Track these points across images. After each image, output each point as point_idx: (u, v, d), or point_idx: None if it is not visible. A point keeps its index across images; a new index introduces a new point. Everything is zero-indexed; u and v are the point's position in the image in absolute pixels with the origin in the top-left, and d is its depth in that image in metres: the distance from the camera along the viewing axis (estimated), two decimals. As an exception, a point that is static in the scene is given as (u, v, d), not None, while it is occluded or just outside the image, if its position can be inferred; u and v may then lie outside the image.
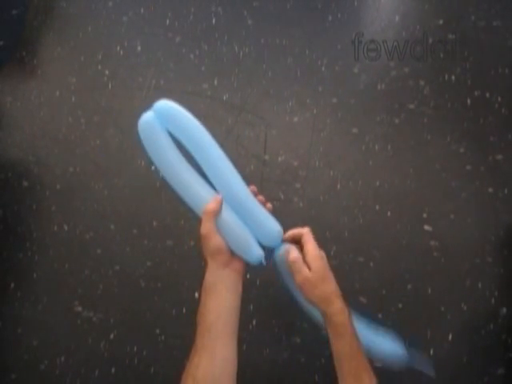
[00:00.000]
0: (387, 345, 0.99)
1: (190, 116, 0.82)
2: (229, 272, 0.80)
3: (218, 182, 0.83)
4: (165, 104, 0.83)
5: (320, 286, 0.80)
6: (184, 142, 0.82)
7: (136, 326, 1.69)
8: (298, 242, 0.86)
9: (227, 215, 0.81)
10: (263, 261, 0.83)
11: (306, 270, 0.81)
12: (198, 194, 0.82)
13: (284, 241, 0.86)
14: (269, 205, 0.86)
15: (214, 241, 0.80)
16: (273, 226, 0.85)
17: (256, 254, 0.82)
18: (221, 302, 0.78)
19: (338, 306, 0.81)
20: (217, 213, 0.80)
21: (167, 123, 0.82)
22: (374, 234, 1.79)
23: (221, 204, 0.80)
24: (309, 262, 0.81)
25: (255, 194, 0.85)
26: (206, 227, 0.79)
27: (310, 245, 0.83)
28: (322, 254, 0.84)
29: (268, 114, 1.98)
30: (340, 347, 0.80)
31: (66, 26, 2.18)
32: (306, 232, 0.85)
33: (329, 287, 0.81)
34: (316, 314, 0.90)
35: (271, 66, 2.06)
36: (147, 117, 0.83)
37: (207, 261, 0.81)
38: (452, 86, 2.00)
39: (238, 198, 0.83)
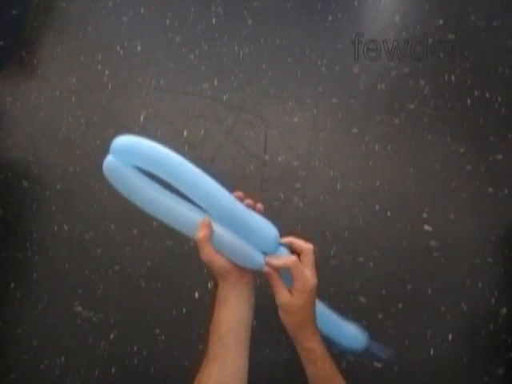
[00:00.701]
0: (348, 330, 0.99)
1: (151, 143, 0.78)
2: (240, 287, 0.81)
3: (200, 199, 0.80)
4: (120, 142, 0.79)
5: (295, 313, 0.79)
6: (155, 171, 0.79)
7: (136, 326, 1.69)
8: (294, 251, 0.83)
9: (219, 231, 0.80)
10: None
11: (285, 294, 0.78)
12: (187, 218, 0.80)
13: (281, 244, 0.83)
14: (259, 205, 0.83)
15: (218, 263, 0.79)
16: (266, 230, 0.82)
17: (259, 260, 0.81)
18: (234, 314, 0.79)
19: (309, 331, 0.80)
20: (209, 236, 0.78)
21: (131, 160, 0.80)
22: (373, 234, 1.79)
23: (210, 226, 0.79)
24: (295, 288, 0.78)
25: (241, 199, 0.82)
26: (205, 253, 0.78)
27: (298, 279, 0.78)
28: (314, 281, 0.79)
29: (268, 113, 1.98)
30: (312, 372, 0.81)
31: (66, 25, 2.18)
32: (306, 251, 0.80)
33: (304, 316, 0.79)
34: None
35: (271, 66, 2.06)
36: (109, 162, 0.82)
37: (218, 279, 0.81)
38: (452, 86, 2.00)
39: (224, 210, 0.79)
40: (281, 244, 0.84)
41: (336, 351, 0.90)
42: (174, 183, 0.79)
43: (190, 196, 0.80)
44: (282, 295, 0.79)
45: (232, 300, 0.80)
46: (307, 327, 0.80)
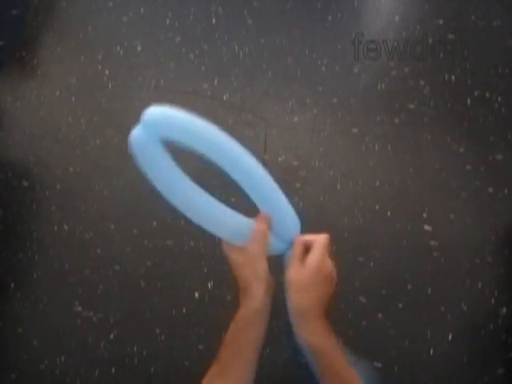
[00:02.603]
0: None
1: (184, 116, 0.76)
2: (267, 299, 0.78)
3: (237, 171, 0.78)
4: (153, 112, 0.77)
5: (300, 294, 0.75)
6: (190, 142, 0.76)
7: (136, 326, 1.69)
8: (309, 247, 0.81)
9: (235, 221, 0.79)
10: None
11: (296, 270, 0.76)
12: (202, 209, 0.78)
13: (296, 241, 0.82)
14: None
15: (264, 263, 0.76)
16: (292, 221, 0.82)
17: (278, 248, 0.81)
18: (261, 332, 0.78)
19: (311, 326, 0.76)
20: (266, 233, 0.77)
21: (165, 130, 0.77)
22: (374, 234, 1.79)
23: (269, 222, 0.77)
24: (304, 266, 0.76)
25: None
26: (257, 248, 0.75)
27: (315, 253, 0.77)
28: (325, 267, 0.77)
29: (268, 114, 1.98)
30: (317, 367, 0.78)
31: (66, 26, 2.18)
32: (318, 240, 0.79)
33: (309, 301, 0.75)
34: None
35: (271, 66, 2.06)
36: (137, 133, 0.78)
37: (252, 286, 0.76)
38: (452, 86, 2.01)
39: (261, 187, 0.79)
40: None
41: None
42: (208, 153, 0.77)
43: (230, 170, 0.77)
44: (293, 268, 0.76)
45: (265, 315, 0.78)
46: (309, 320, 0.76)
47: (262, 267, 0.76)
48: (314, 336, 0.76)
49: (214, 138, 0.78)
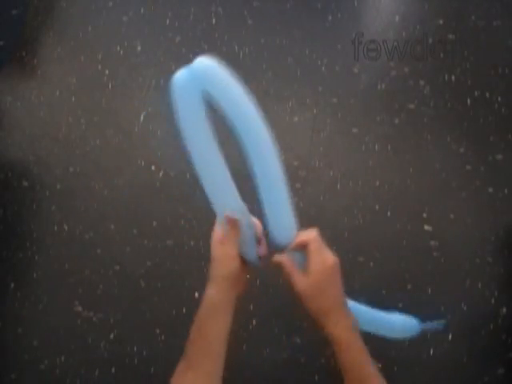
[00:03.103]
0: (395, 321, 0.98)
1: (230, 80, 0.76)
2: (236, 293, 0.79)
3: (256, 159, 0.79)
4: (203, 63, 0.76)
5: (315, 299, 0.77)
6: (224, 104, 0.76)
7: (136, 326, 1.69)
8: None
9: (237, 207, 0.79)
10: (258, 263, 0.81)
11: (301, 280, 0.77)
12: (222, 191, 0.79)
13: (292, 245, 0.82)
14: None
15: (235, 264, 0.78)
16: (290, 224, 0.81)
17: (254, 254, 0.81)
18: (224, 323, 0.78)
19: (333, 319, 0.77)
20: (239, 232, 0.78)
21: (206, 85, 0.76)
22: (373, 234, 1.79)
23: (239, 225, 0.78)
24: (309, 274, 0.77)
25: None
26: (231, 249, 0.77)
27: (313, 255, 0.78)
28: (328, 264, 0.78)
29: (268, 113, 1.97)
30: (340, 359, 0.78)
31: (66, 25, 2.18)
32: (311, 239, 0.80)
33: (326, 301, 0.77)
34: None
35: (271, 66, 2.06)
36: (182, 75, 0.76)
37: (217, 279, 0.78)
38: (452, 86, 2.01)
39: (270, 180, 0.80)
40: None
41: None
42: (236, 125, 0.78)
43: (248, 149, 0.79)
44: (299, 281, 0.77)
45: (225, 306, 0.78)
46: (330, 313, 0.77)
47: (234, 267, 0.77)
48: (335, 327, 0.77)
49: (248, 114, 0.80)
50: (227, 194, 0.80)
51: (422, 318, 0.99)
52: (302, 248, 0.80)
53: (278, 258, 0.80)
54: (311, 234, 0.81)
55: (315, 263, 0.77)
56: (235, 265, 0.78)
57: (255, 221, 0.83)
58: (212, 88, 0.76)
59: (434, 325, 0.98)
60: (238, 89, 0.78)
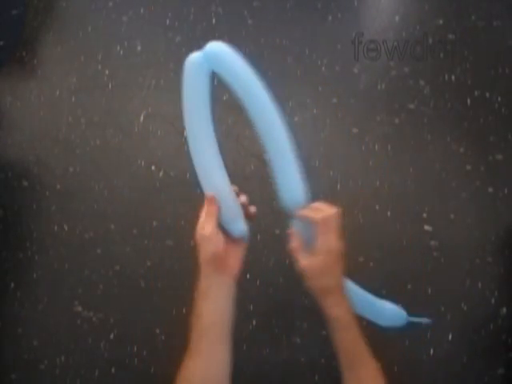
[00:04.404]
0: (385, 309, 1.00)
1: (244, 66, 0.83)
2: (224, 277, 0.79)
3: (265, 130, 0.86)
4: (217, 47, 0.84)
5: (316, 279, 0.78)
6: (236, 85, 0.84)
7: (136, 325, 1.69)
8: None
9: (222, 184, 0.81)
10: (245, 237, 0.81)
11: (305, 258, 0.78)
12: (210, 172, 0.82)
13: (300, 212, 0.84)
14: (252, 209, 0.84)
15: (213, 244, 0.77)
16: (299, 189, 0.86)
17: (240, 228, 0.81)
18: (216, 307, 0.78)
19: (334, 299, 0.78)
20: (217, 212, 0.78)
21: (216, 67, 0.83)
22: (373, 234, 1.79)
23: (215, 202, 0.79)
24: (317, 248, 0.78)
25: (237, 195, 0.83)
26: (208, 228, 0.76)
27: (321, 235, 0.79)
28: (334, 246, 0.79)
29: (268, 113, 1.97)
30: (336, 342, 0.79)
31: (66, 25, 2.18)
32: (322, 219, 0.80)
33: (329, 281, 0.78)
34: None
35: (271, 66, 2.06)
36: (197, 57, 0.83)
37: (202, 264, 0.79)
38: (452, 86, 2.00)
39: (279, 148, 0.87)
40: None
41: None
42: (245, 100, 0.85)
43: (256, 119, 0.85)
44: (302, 258, 0.78)
45: (215, 293, 0.78)
46: (332, 294, 0.78)
47: (212, 247, 0.77)
48: (335, 310, 0.78)
49: (256, 91, 0.86)
50: (213, 173, 0.82)
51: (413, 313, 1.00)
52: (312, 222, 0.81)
53: (291, 232, 0.82)
54: (325, 213, 0.81)
55: (321, 243, 0.78)
56: (215, 246, 0.77)
57: (242, 196, 0.83)
58: (222, 69, 0.83)
59: (421, 319, 1.01)
60: (246, 70, 0.84)
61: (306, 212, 0.82)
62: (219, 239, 0.77)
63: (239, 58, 0.83)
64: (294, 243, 0.81)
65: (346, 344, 0.79)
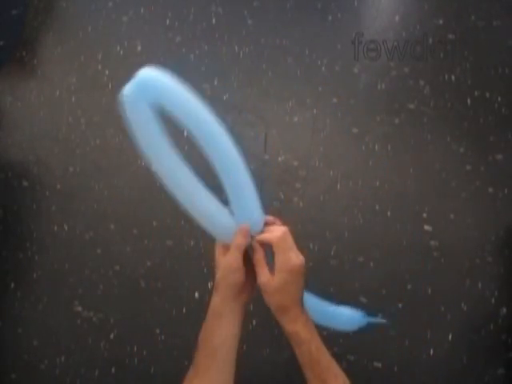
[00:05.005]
0: (342, 314, 1.00)
1: (178, 88, 0.77)
2: (239, 304, 0.81)
3: (212, 151, 0.79)
4: (147, 73, 0.78)
5: (274, 295, 0.77)
6: (175, 111, 0.77)
7: (136, 325, 1.70)
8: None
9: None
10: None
11: (266, 274, 0.77)
12: (203, 205, 0.80)
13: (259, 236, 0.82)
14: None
15: (238, 275, 0.78)
16: (256, 213, 0.81)
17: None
18: (228, 329, 0.79)
19: (291, 315, 0.78)
20: (245, 245, 0.78)
21: (155, 94, 0.77)
22: (374, 234, 1.79)
23: (248, 234, 0.79)
24: (276, 267, 0.77)
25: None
26: (236, 260, 0.77)
27: (278, 254, 0.77)
28: (294, 263, 0.77)
29: (268, 113, 1.98)
30: (299, 356, 0.80)
31: (66, 25, 2.18)
32: (277, 238, 0.78)
33: (286, 299, 0.77)
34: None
35: (271, 66, 2.06)
36: (130, 89, 0.77)
37: (220, 287, 0.80)
38: (452, 86, 2.00)
39: (233, 175, 0.80)
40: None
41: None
42: (194, 134, 0.77)
43: (202, 143, 0.78)
44: (263, 274, 0.77)
45: (228, 315, 0.79)
46: (289, 310, 0.78)
47: (237, 278, 0.78)
48: (293, 325, 0.78)
49: (200, 116, 0.78)
50: (198, 199, 0.81)
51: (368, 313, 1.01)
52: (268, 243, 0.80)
53: (254, 245, 0.80)
54: (278, 232, 0.79)
55: (280, 262, 0.77)
56: (240, 278, 0.78)
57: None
58: (159, 98, 0.77)
59: (379, 319, 1.01)
60: (182, 92, 0.78)
61: (261, 237, 0.80)
62: (243, 271, 0.78)
63: (172, 82, 0.77)
64: (258, 255, 0.79)
65: (306, 359, 0.79)
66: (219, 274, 0.80)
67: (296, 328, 0.78)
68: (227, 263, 0.78)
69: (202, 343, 0.78)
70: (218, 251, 0.82)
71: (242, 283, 0.78)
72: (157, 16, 2.18)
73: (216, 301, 0.79)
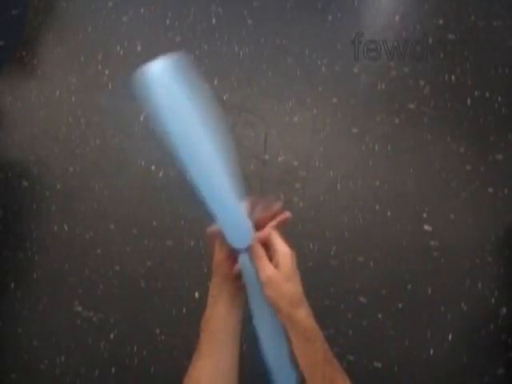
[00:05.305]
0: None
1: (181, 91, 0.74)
2: (236, 285, 0.81)
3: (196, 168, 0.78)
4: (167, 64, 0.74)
5: (286, 285, 0.74)
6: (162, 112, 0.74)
7: (136, 325, 1.70)
8: (265, 244, 0.81)
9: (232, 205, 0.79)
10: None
11: (271, 267, 0.75)
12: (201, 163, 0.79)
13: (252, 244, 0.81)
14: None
15: (217, 257, 0.82)
16: (246, 226, 0.79)
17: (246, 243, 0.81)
18: (226, 311, 0.80)
19: (306, 310, 0.76)
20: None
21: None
22: (374, 234, 1.79)
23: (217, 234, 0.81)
24: (277, 260, 0.76)
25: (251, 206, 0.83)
26: (223, 251, 0.81)
27: (279, 242, 0.77)
28: (292, 252, 0.78)
29: (268, 113, 1.98)
30: (312, 354, 0.76)
31: (66, 25, 2.18)
32: (272, 231, 0.79)
33: (295, 288, 0.75)
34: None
35: (271, 66, 2.06)
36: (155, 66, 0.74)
37: (215, 269, 0.83)
38: (452, 86, 2.00)
39: (216, 186, 0.79)
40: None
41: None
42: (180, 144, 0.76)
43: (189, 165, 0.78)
44: (268, 268, 0.75)
45: (224, 295, 0.80)
46: (302, 303, 0.76)
47: (219, 256, 0.81)
48: (308, 320, 0.76)
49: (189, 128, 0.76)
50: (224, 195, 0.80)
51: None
52: (263, 242, 0.80)
53: (252, 244, 0.79)
54: (269, 230, 0.80)
55: (279, 252, 0.76)
56: (217, 259, 0.81)
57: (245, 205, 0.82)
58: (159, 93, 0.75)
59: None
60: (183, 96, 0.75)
61: (258, 237, 0.80)
62: (220, 253, 0.81)
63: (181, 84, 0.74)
64: (259, 253, 0.78)
65: (320, 356, 0.76)
66: (214, 259, 0.82)
67: (310, 323, 0.75)
68: (219, 256, 0.81)
69: (202, 327, 0.80)
70: (217, 246, 0.83)
71: (218, 265, 0.81)
72: (157, 16, 2.18)
73: (213, 283, 0.81)
